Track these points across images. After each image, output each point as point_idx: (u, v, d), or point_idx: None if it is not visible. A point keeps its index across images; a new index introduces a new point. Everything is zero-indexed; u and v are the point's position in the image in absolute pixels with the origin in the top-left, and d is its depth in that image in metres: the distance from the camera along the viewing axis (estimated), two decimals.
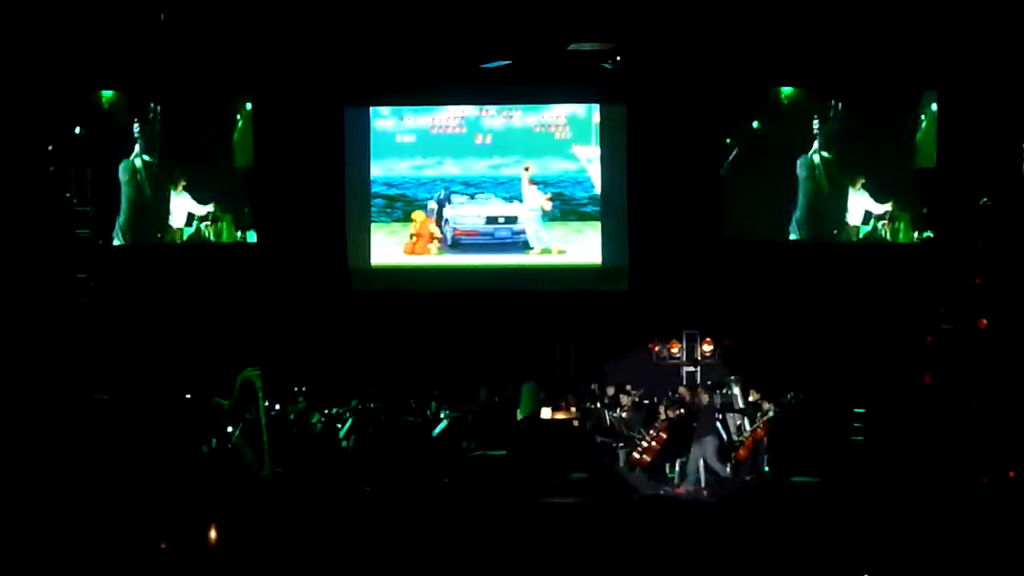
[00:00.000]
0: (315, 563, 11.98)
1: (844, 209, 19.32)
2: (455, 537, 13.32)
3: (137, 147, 19.61)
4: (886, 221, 19.11)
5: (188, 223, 19.89)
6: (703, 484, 16.27)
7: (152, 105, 19.59)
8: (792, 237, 19.51)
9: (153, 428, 17.10)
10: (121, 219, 19.70)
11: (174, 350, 18.80)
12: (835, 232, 19.46)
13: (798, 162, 19.38)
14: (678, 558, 12.11)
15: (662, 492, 16.21)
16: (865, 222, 19.22)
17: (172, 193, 19.86)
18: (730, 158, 19.57)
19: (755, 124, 19.51)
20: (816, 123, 19.27)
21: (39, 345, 16.65)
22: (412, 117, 20.34)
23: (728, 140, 19.57)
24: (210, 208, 19.85)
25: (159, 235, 19.91)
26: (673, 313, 19.50)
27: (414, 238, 20.26)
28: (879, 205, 19.16)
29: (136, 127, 19.59)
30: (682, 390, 17.69)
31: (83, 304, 17.52)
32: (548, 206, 20.10)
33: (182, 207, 19.89)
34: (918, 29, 16.74)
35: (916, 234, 18.88)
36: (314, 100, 19.70)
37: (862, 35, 17.19)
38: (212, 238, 19.91)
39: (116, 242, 19.71)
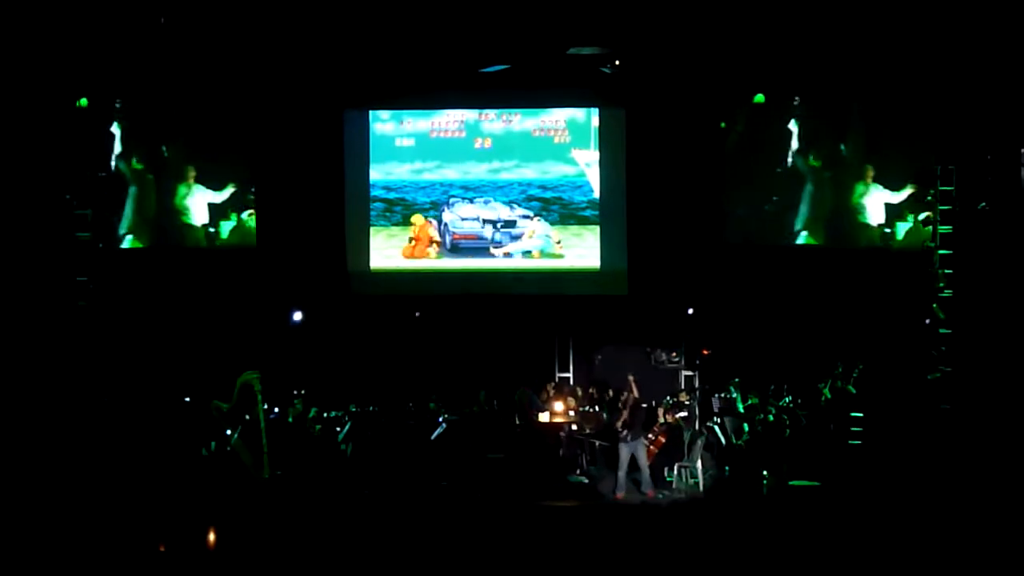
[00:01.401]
0: (314, 566, 11.97)
1: (859, 210, 19.25)
2: (454, 541, 13.33)
3: (120, 148, 19.61)
4: (924, 219, 18.55)
5: (224, 216, 19.78)
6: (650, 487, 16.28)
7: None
8: (800, 242, 19.47)
9: (152, 431, 17.09)
10: (126, 223, 19.73)
11: (173, 353, 18.80)
12: (850, 234, 19.29)
13: (799, 164, 19.39)
14: (677, 562, 12.11)
15: (660, 496, 16.22)
16: (900, 217, 18.86)
17: (183, 191, 19.86)
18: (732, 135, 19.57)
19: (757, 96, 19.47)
20: (797, 126, 19.30)
21: (39, 348, 16.64)
22: (411, 121, 20.36)
23: (723, 124, 19.55)
24: (230, 191, 19.83)
25: (163, 238, 19.87)
26: (672, 317, 19.51)
27: (413, 242, 20.28)
28: (896, 194, 19.02)
29: (118, 129, 19.60)
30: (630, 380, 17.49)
31: (83, 307, 17.50)
32: (555, 236, 20.13)
33: (200, 202, 19.86)
34: (917, 32, 16.77)
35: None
36: (314, 104, 19.71)
37: (861, 38, 17.21)
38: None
39: (125, 245, 19.75)
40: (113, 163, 19.65)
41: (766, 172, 19.54)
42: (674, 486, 16.66)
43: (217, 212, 19.91)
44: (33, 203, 17.20)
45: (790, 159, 19.46)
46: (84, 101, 18.48)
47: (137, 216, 19.86)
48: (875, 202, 19.14)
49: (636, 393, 16.58)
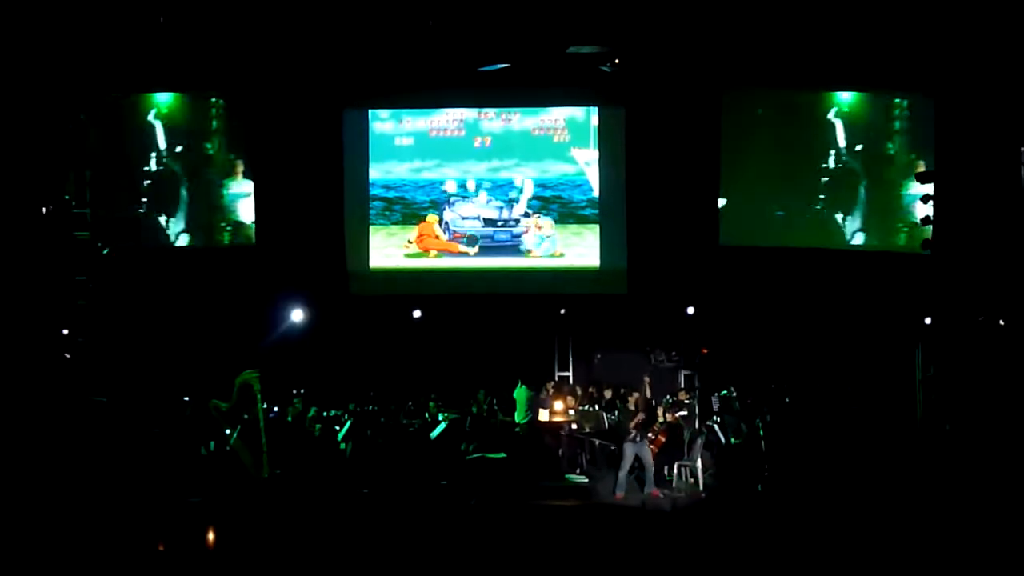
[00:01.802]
0: (313, 565, 11.97)
1: (903, 208, 19.09)
2: (452, 540, 13.32)
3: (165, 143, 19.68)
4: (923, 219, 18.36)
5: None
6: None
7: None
8: (856, 243, 19.37)
9: (152, 430, 17.08)
10: (179, 220, 19.78)
11: (172, 352, 18.78)
12: (902, 236, 19.12)
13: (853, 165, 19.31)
14: (674, 561, 12.11)
15: (663, 494, 16.21)
16: None
17: (232, 184, 19.84)
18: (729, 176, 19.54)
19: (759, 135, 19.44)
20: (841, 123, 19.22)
21: (38, 348, 16.61)
22: (411, 120, 20.36)
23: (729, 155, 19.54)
24: None
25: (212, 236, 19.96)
26: (671, 316, 19.50)
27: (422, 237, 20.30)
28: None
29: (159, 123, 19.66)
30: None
31: (82, 307, 17.46)
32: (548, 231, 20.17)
33: (248, 199, 19.85)
34: (918, 32, 16.75)
35: None
36: (313, 102, 19.70)
37: (860, 39, 17.19)
38: None
39: (182, 243, 19.85)
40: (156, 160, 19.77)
41: (810, 171, 19.47)
42: (674, 485, 16.66)
43: None
44: (33, 204, 17.15)
45: (833, 158, 19.37)
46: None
47: (189, 213, 19.89)
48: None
49: (649, 393, 16.57)
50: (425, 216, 20.29)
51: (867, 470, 16.32)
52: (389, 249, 20.40)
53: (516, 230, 20.24)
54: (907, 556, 11.99)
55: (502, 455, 17.09)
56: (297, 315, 19.27)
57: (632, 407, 16.57)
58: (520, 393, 18.43)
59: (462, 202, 20.27)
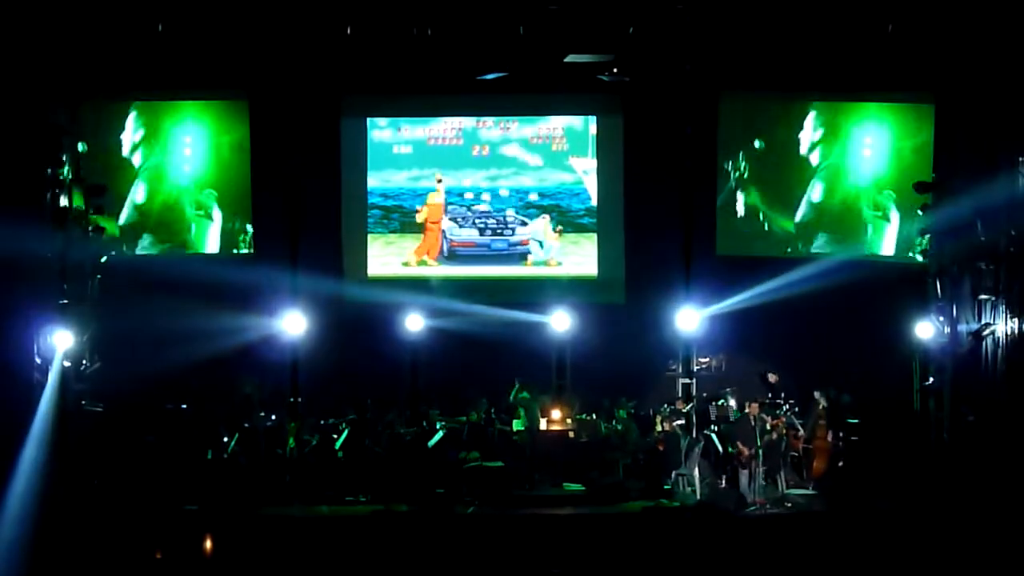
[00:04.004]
0: (310, 574, 11.97)
1: (902, 218, 19.00)
2: (450, 547, 13.32)
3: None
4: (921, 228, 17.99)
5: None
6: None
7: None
8: (853, 252, 19.41)
9: (146, 438, 17.07)
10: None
11: (168, 361, 18.69)
12: (899, 245, 19.07)
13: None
14: (673, 568, 12.12)
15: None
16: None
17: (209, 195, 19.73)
18: (727, 186, 19.59)
19: (757, 144, 19.50)
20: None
21: (34, 353, 16.58)
22: (409, 128, 20.36)
23: (727, 165, 19.57)
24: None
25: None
26: (669, 326, 19.47)
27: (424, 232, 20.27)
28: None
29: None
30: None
31: (77, 314, 17.42)
32: (552, 235, 20.15)
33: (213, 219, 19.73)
34: (917, 39, 16.77)
35: None
36: (311, 110, 19.68)
37: (860, 46, 17.20)
38: None
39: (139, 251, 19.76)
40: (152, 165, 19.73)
41: (808, 181, 19.47)
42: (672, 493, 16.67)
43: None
44: (29, 206, 17.09)
45: (831, 167, 19.40)
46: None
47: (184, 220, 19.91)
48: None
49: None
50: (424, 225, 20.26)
51: (867, 478, 16.34)
52: (387, 258, 20.37)
53: (513, 239, 20.24)
54: (905, 563, 12.00)
55: (499, 464, 17.09)
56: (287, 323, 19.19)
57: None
58: (520, 399, 18.40)
59: (459, 210, 20.26)
